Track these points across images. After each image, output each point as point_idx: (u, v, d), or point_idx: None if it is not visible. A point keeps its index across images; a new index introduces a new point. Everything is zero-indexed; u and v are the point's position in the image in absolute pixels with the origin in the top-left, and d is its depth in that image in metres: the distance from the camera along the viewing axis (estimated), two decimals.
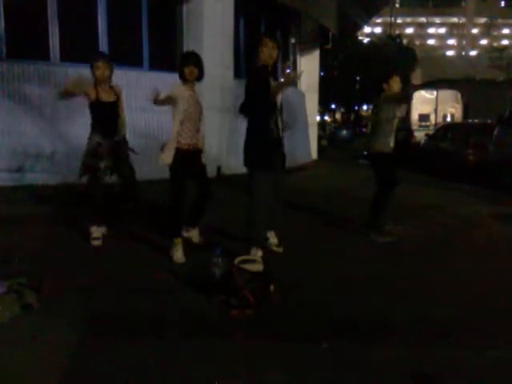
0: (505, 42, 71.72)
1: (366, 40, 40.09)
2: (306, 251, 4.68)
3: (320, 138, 18.74)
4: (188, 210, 4.63)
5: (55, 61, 8.46)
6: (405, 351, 2.73)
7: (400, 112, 5.20)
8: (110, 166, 4.76)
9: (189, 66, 4.25)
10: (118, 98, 4.83)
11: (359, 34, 34.32)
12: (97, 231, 4.75)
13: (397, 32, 45.63)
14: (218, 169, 8.93)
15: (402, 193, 5.88)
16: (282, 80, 3.95)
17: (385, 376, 2.49)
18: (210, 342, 2.79)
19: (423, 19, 77.55)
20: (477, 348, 2.78)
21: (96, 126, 4.74)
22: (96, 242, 4.69)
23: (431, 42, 77.86)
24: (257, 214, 4.05)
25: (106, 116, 4.72)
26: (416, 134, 16.32)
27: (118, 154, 4.78)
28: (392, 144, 5.25)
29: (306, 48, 15.16)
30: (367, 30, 55.90)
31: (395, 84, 5.22)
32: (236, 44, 10.33)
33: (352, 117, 40.29)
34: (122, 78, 8.38)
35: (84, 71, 8.49)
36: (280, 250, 4.50)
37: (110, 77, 4.74)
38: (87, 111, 8.58)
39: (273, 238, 4.51)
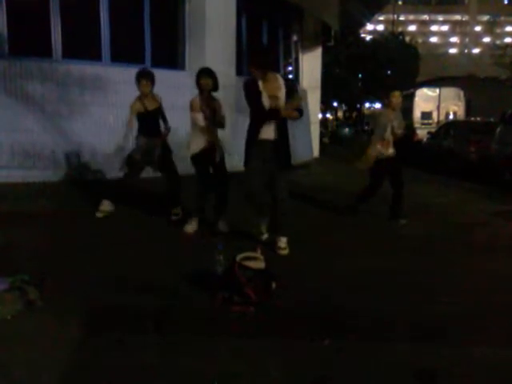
0: (508, 40, 71.49)
1: (368, 38, 39.94)
2: (306, 249, 4.68)
3: (322, 135, 18.72)
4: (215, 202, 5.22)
5: (57, 58, 8.46)
6: (406, 349, 2.73)
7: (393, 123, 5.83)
8: (151, 161, 5.57)
9: (203, 78, 5.00)
10: (160, 104, 5.60)
11: (361, 31, 34.16)
12: (107, 205, 5.67)
13: (399, 29, 45.46)
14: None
15: (404, 190, 5.90)
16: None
17: (386, 373, 2.49)
18: (211, 339, 2.80)
19: (426, 17, 77.27)
20: (477, 346, 2.78)
21: (142, 130, 5.54)
22: (98, 214, 5.63)
23: (434, 39, 77.59)
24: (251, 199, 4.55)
25: (148, 123, 5.53)
26: (418, 131, 16.30)
27: (159, 152, 5.55)
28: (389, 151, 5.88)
29: (307, 45, 15.12)
30: (370, 27, 55.70)
31: (394, 99, 5.83)
32: (238, 41, 10.31)
33: (354, 114, 40.21)
34: (124, 74, 8.40)
35: (86, 68, 8.53)
36: (285, 252, 4.46)
37: (152, 89, 5.53)
38: (89, 109, 8.64)
39: (279, 242, 4.50)
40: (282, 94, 4.27)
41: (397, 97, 5.84)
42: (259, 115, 4.29)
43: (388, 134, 5.79)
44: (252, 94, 4.30)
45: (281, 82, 4.31)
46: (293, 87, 4.43)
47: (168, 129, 5.63)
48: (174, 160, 5.73)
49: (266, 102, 4.23)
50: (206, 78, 5.02)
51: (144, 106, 5.48)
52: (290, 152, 4.49)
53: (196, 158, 5.08)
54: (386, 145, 5.82)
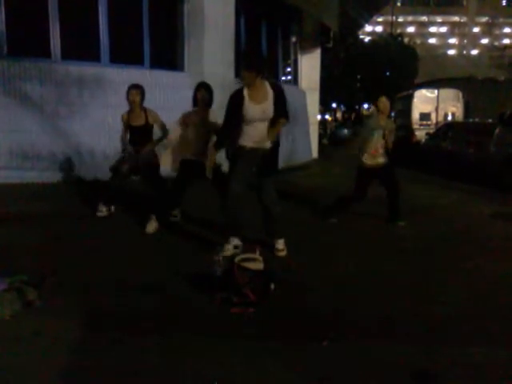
0: (506, 41, 71.65)
1: (367, 39, 40.03)
2: (305, 249, 4.68)
3: (321, 136, 18.71)
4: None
5: (56, 59, 8.45)
6: (406, 349, 2.73)
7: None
8: (133, 172, 5.66)
9: (200, 91, 5.05)
10: (148, 121, 5.56)
11: (360, 32, 34.22)
12: (101, 206, 5.73)
13: (398, 31, 45.57)
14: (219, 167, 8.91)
15: (402, 191, 5.91)
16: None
17: (385, 374, 2.49)
18: (210, 339, 2.79)
19: (424, 18, 77.41)
20: (477, 346, 2.79)
21: (130, 140, 5.66)
22: (99, 214, 5.70)
23: (432, 40, 77.72)
24: (229, 204, 4.33)
25: (132, 137, 5.64)
26: (417, 132, 16.29)
27: (141, 165, 5.57)
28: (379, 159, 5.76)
29: (306, 47, 15.12)
30: (368, 28, 55.82)
31: (381, 104, 5.72)
32: (237, 42, 10.32)
33: (353, 116, 40.27)
34: (123, 75, 8.40)
35: (85, 69, 8.52)
36: (283, 254, 4.45)
37: (141, 102, 5.57)
38: (88, 110, 8.63)
39: (277, 244, 4.48)
40: (268, 102, 4.17)
41: (384, 102, 5.74)
42: (227, 125, 4.26)
43: (375, 141, 5.67)
44: (230, 105, 4.23)
45: (268, 88, 4.20)
46: (280, 93, 4.29)
47: (149, 147, 5.56)
48: (159, 174, 5.67)
49: (251, 110, 4.14)
50: (202, 91, 5.06)
51: (128, 120, 5.59)
52: (278, 158, 4.43)
53: (180, 164, 5.20)
54: (374, 153, 5.69)
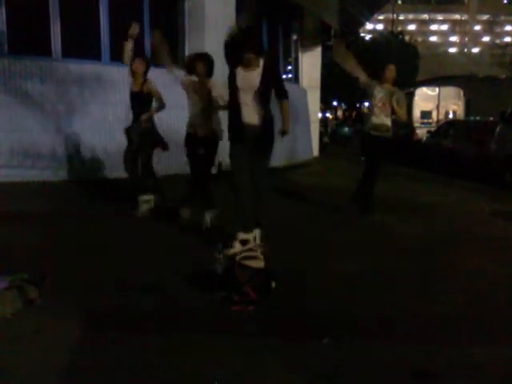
0: (507, 39, 71.46)
1: (368, 37, 39.96)
2: (305, 248, 4.68)
3: (321, 134, 18.69)
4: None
5: (57, 57, 8.46)
6: (405, 348, 2.73)
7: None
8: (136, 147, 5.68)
9: (196, 62, 5.12)
10: (142, 90, 5.62)
11: (361, 30, 34.18)
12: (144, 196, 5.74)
13: (399, 29, 45.48)
14: (219, 165, 8.90)
15: (404, 189, 5.90)
16: None
17: (385, 373, 2.49)
18: (210, 339, 2.79)
19: (425, 16, 77.23)
20: (477, 346, 2.79)
21: (132, 109, 5.76)
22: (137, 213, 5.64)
23: (433, 38, 77.54)
24: (234, 194, 4.34)
25: (132, 104, 5.73)
26: (418, 130, 16.28)
27: (137, 140, 5.64)
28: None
29: (307, 45, 15.09)
30: (369, 26, 55.73)
31: (388, 72, 5.83)
32: None
33: (353, 114, 40.20)
34: (123, 73, 8.39)
35: (85, 68, 8.52)
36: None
37: (144, 72, 5.70)
38: (88, 108, 8.63)
39: (257, 238, 4.32)
40: (256, 72, 4.23)
41: (391, 70, 5.78)
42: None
43: (381, 100, 5.70)
44: (227, 55, 4.43)
45: (261, 63, 4.24)
46: (271, 61, 4.36)
47: (145, 116, 5.59)
48: (151, 157, 5.76)
49: (239, 77, 4.30)
50: (199, 63, 5.11)
51: (130, 85, 5.73)
52: (273, 137, 4.37)
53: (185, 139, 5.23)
54: (377, 114, 5.72)
